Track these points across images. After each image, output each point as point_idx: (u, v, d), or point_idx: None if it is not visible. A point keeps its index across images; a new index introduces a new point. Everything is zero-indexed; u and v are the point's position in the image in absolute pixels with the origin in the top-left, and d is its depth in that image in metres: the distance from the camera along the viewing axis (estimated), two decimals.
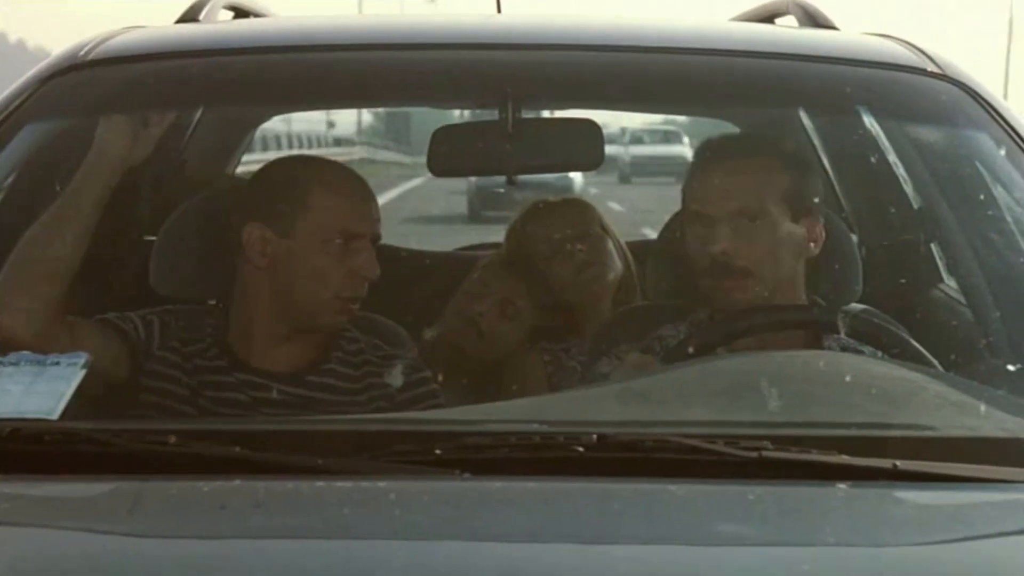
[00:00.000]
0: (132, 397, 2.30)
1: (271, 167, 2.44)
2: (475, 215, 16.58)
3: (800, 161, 2.38)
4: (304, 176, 2.34)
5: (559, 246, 3.01)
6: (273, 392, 2.30)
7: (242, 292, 2.35)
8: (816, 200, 2.34)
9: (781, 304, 2.30)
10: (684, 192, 2.39)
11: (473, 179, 15.73)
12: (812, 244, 2.32)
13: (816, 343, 2.28)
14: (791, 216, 2.30)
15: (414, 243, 3.69)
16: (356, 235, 2.31)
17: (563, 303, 3.01)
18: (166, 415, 2.27)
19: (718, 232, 2.29)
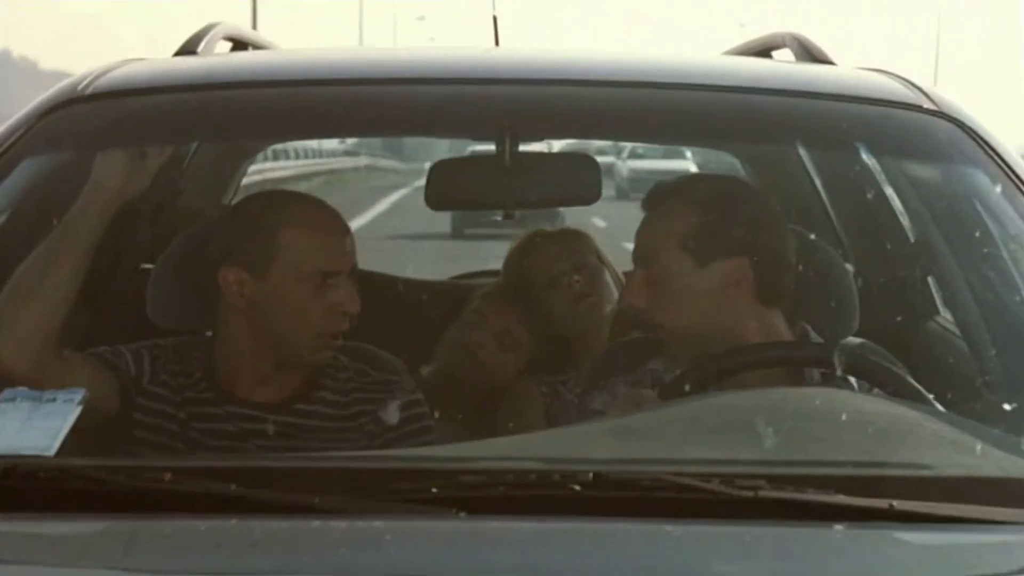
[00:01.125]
0: (124, 431, 2.30)
1: (243, 206, 2.43)
2: (458, 232, 16.46)
3: (715, 204, 2.31)
4: (274, 216, 2.32)
5: (556, 277, 3.02)
6: (263, 423, 2.29)
7: (224, 331, 2.35)
8: (739, 242, 2.27)
9: (776, 341, 2.29)
10: None
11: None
12: (732, 288, 2.26)
13: (812, 380, 2.27)
14: (697, 262, 2.26)
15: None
16: (332, 272, 2.30)
17: (561, 334, 3.01)
18: (157, 449, 2.26)
19: (627, 285, 2.34)
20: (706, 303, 2.26)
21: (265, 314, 2.30)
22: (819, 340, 2.34)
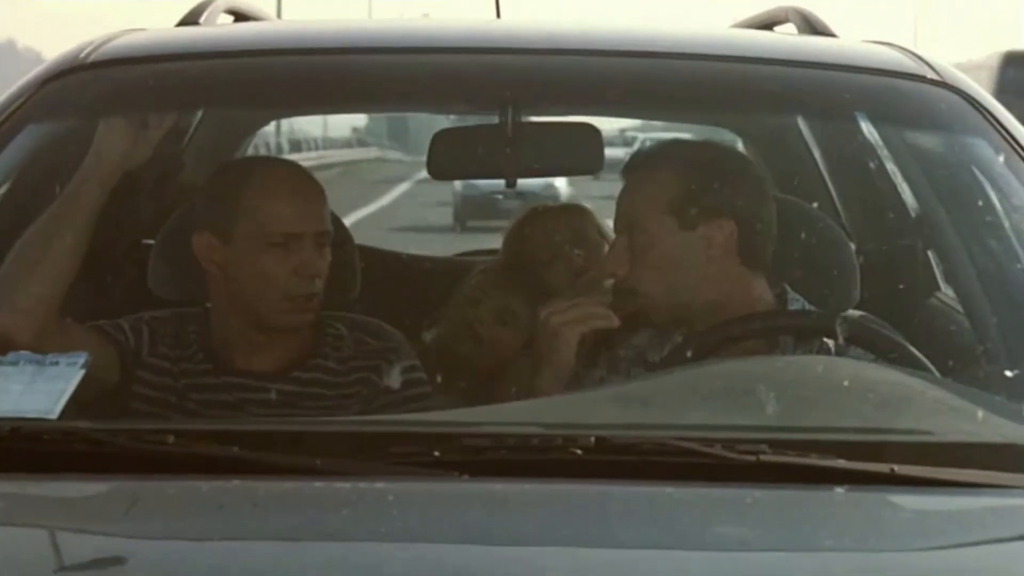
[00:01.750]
0: (123, 403, 2.30)
1: (216, 174, 2.45)
2: (461, 221, 16.51)
3: (699, 167, 2.30)
4: (240, 181, 2.34)
5: (557, 251, 3.01)
6: (261, 392, 2.30)
7: (213, 299, 2.37)
8: (724, 203, 2.25)
9: (779, 310, 2.30)
10: None
11: (458, 187, 15.92)
12: (714, 249, 2.25)
13: (814, 348, 2.28)
14: (681, 225, 2.24)
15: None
16: (295, 234, 2.30)
17: None
18: (158, 420, 2.27)
19: (610, 253, 2.31)
20: (692, 267, 2.25)
21: (236, 279, 2.32)
22: (799, 300, 2.33)
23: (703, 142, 2.59)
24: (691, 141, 2.64)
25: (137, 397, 2.32)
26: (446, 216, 16.91)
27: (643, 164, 2.35)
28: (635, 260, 2.26)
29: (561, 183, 15.01)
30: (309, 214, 2.32)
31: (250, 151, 3.72)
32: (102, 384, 2.25)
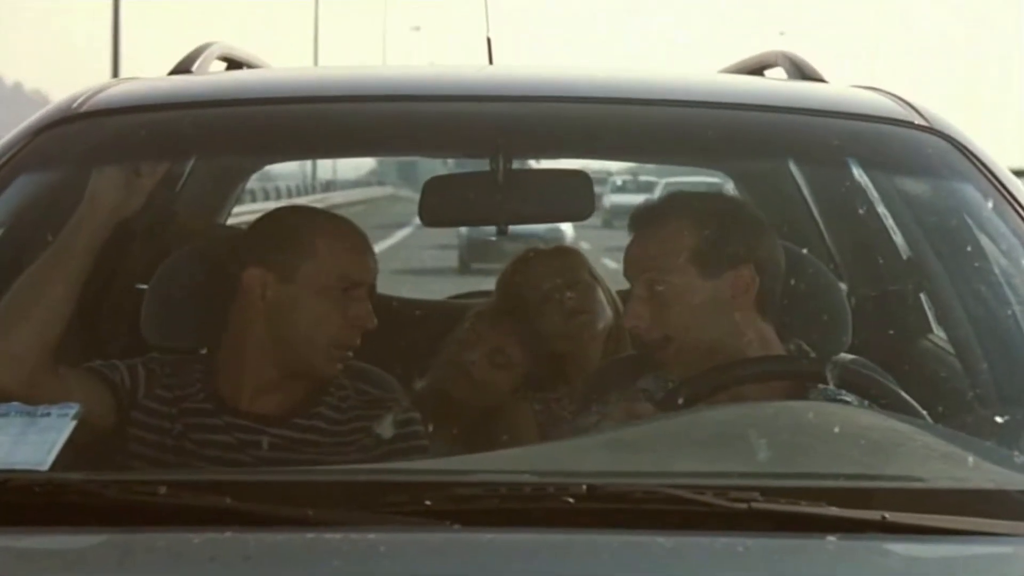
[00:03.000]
0: (119, 446, 2.30)
1: (272, 216, 2.46)
2: (465, 267, 16.98)
3: (717, 216, 2.33)
4: (306, 224, 2.39)
5: (549, 294, 3.02)
6: (259, 435, 2.30)
7: (235, 337, 2.36)
8: (743, 250, 2.28)
9: (769, 355, 2.30)
10: None
11: (464, 231, 16.64)
12: (742, 296, 2.28)
13: (805, 394, 2.28)
14: (705, 274, 2.27)
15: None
16: (356, 283, 2.33)
17: (554, 351, 3.01)
18: (153, 462, 2.27)
19: (630, 306, 2.32)
20: (716, 314, 2.28)
21: (284, 318, 2.33)
22: (812, 355, 2.34)
23: (713, 193, 2.63)
24: (697, 193, 2.67)
25: (133, 439, 2.32)
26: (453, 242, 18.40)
27: (657, 215, 2.37)
28: (657, 311, 2.28)
29: (567, 227, 15.16)
30: (368, 266, 2.38)
31: (284, 188, 3.75)
32: (97, 426, 2.25)
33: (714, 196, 2.52)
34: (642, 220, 2.38)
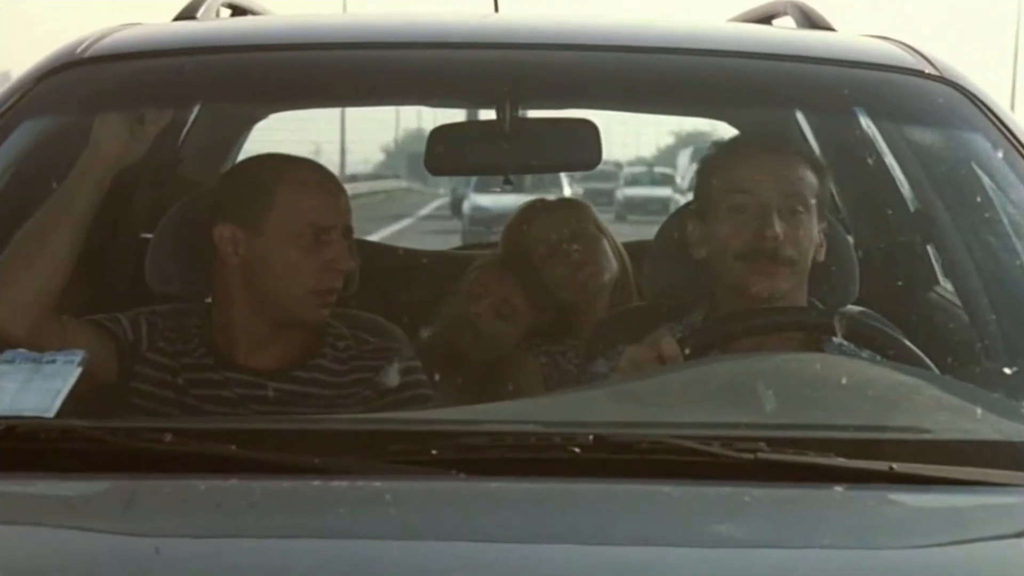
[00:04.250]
0: (122, 398, 2.30)
1: (238, 168, 2.44)
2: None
3: (823, 169, 2.38)
4: (269, 174, 2.34)
5: (555, 246, 3.01)
6: (261, 389, 2.30)
7: (221, 293, 2.35)
8: (827, 212, 2.35)
9: (778, 306, 2.29)
10: (712, 182, 2.35)
11: (467, 210, 17.19)
12: (821, 249, 2.32)
13: (812, 345, 2.28)
14: (816, 218, 2.31)
15: None
16: (325, 228, 2.30)
17: (559, 303, 3.01)
18: (155, 415, 2.26)
19: (773, 217, 2.27)
20: (811, 256, 2.30)
21: (259, 271, 2.31)
22: (819, 307, 2.34)
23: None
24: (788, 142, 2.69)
25: (135, 392, 2.31)
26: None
27: (782, 148, 2.40)
28: (791, 232, 2.28)
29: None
30: (338, 207, 2.34)
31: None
32: (99, 379, 2.25)
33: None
34: (767, 144, 2.40)
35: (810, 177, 2.32)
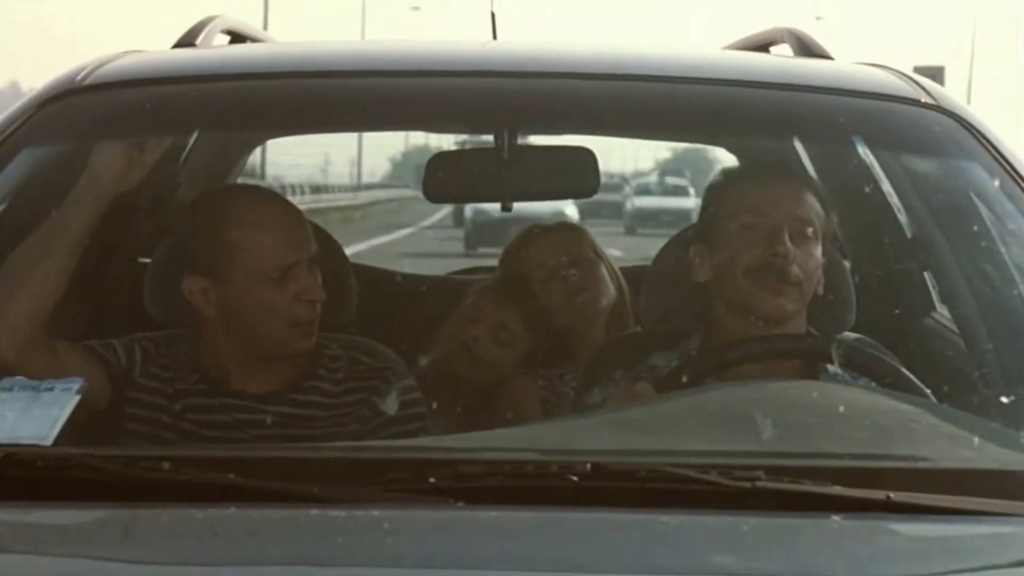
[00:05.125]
0: (116, 425, 2.30)
1: (195, 209, 2.42)
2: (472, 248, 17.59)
3: (828, 203, 2.40)
4: (223, 219, 2.32)
5: (553, 271, 3.02)
6: (258, 413, 2.29)
7: (206, 333, 2.35)
8: (827, 237, 2.36)
9: (775, 333, 2.30)
10: (722, 205, 2.37)
11: (468, 213, 17.52)
12: (820, 273, 2.32)
13: (810, 373, 2.28)
14: (818, 242, 2.32)
15: None
16: (290, 264, 2.29)
17: (557, 328, 3.01)
18: (151, 441, 2.26)
19: (784, 235, 2.29)
20: (812, 282, 2.31)
21: (235, 317, 2.31)
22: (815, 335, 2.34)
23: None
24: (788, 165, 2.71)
25: (130, 418, 2.31)
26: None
27: (787, 172, 2.46)
28: (804, 254, 2.29)
29: (572, 213, 15.39)
30: (298, 241, 2.32)
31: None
32: (92, 405, 2.24)
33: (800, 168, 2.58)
34: (778, 170, 2.45)
35: (817, 207, 2.35)
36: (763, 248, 2.27)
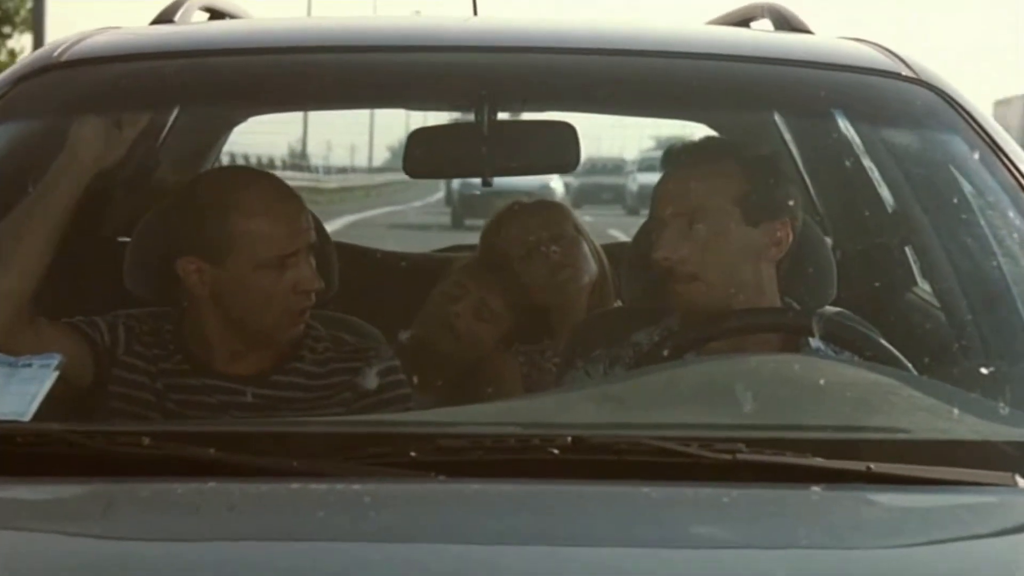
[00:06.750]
0: (99, 402, 2.29)
1: (194, 191, 2.40)
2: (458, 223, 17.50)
3: (766, 166, 2.37)
4: (225, 203, 2.30)
5: (534, 247, 3.01)
6: (241, 395, 2.29)
7: (193, 313, 2.34)
8: (785, 204, 2.32)
9: (755, 307, 2.30)
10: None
11: (455, 185, 17.51)
12: (774, 248, 2.30)
13: (791, 346, 2.28)
14: (746, 220, 2.28)
15: None
16: (289, 252, 2.29)
17: (538, 305, 3.01)
18: (133, 420, 2.25)
19: (662, 237, 2.31)
20: (746, 262, 2.29)
21: (228, 300, 2.30)
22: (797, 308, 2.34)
23: (754, 142, 2.66)
24: (741, 140, 2.68)
25: (113, 396, 2.31)
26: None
27: (701, 154, 2.39)
28: (691, 248, 2.28)
29: (558, 187, 15.26)
30: (299, 230, 2.32)
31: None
32: (75, 382, 2.24)
33: (758, 145, 2.54)
34: (683, 157, 2.39)
35: (728, 184, 2.30)
36: (652, 253, 2.32)
